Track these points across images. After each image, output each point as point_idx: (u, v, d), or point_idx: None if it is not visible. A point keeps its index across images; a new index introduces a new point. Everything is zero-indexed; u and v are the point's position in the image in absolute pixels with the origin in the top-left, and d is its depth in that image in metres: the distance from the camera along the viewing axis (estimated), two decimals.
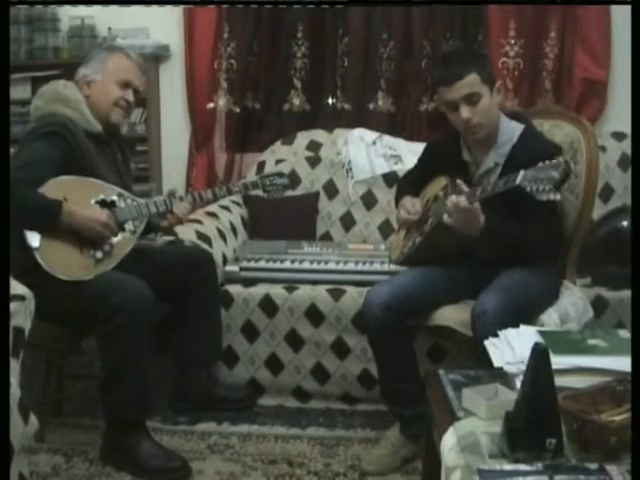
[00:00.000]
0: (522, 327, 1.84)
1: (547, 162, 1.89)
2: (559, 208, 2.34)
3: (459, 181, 2.14)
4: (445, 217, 2.10)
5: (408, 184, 2.55)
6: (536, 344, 1.43)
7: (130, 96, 2.46)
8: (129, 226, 2.38)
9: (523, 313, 2.01)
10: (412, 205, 2.38)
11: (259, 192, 2.70)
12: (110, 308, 2.18)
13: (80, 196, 2.30)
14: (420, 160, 2.57)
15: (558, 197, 1.87)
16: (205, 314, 2.62)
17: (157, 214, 2.46)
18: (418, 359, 2.33)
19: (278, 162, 3.43)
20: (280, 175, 2.69)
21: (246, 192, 2.72)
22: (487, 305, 2.03)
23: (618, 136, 3.30)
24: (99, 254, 2.30)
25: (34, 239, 2.20)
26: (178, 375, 2.66)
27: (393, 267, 2.57)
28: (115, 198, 2.38)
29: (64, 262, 2.23)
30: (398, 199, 2.51)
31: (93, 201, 2.34)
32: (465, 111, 2.18)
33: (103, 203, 2.35)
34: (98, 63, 2.44)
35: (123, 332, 2.19)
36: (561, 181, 1.85)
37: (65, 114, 2.35)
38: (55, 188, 2.24)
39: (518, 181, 1.93)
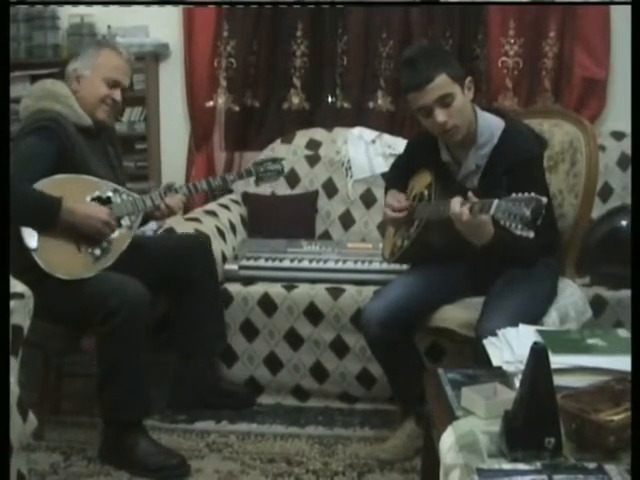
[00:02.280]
0: (521, 326, 1.84)
1: (520, 195, 1.77)
2: (555, 212, 2.34)
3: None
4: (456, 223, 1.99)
5: (396, 175, 2.52)
6: (535, 343, 1.43)
7: (117, 95, 2.44)
8: (125, 221, 2.37)
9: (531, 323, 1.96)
10: (397, 201, 2.33)
11: (253, 179, 2.67)
12: (107, 309, 2.18)
13: (76, 194, 2.29)
14: (402, 157, 2.54)
15: (531, 235, 1.75)
16: (206, 301, 2.60)
17: (152, 207, 2.45)
18: None
19: None
20: (274, 161, 2.66)
21: (240, 179, 2.68)
22: (493, 326, 1.90)
23: (617, 135, 3.30)
24: (97, 251, 2.29)
25: (32, 240, 2.19)
26: (181, 367, 2.64)
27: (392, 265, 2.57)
28: (110, 194, 2.37)
29: (63, 261, 2.23)
30: (386, 193, 2.47)
31: (89, 198, 2.33)
32: (440, 115, 2.09)
33: (99, 200, 2.34)
34: (88, 58, 2.43)
35: (120, 333, 2.19)
36: (533, 220, 1.73)
37: (54, 109, 2.34)
38: (51, 187, 2.23)
39: (492, 211, 1.83)
